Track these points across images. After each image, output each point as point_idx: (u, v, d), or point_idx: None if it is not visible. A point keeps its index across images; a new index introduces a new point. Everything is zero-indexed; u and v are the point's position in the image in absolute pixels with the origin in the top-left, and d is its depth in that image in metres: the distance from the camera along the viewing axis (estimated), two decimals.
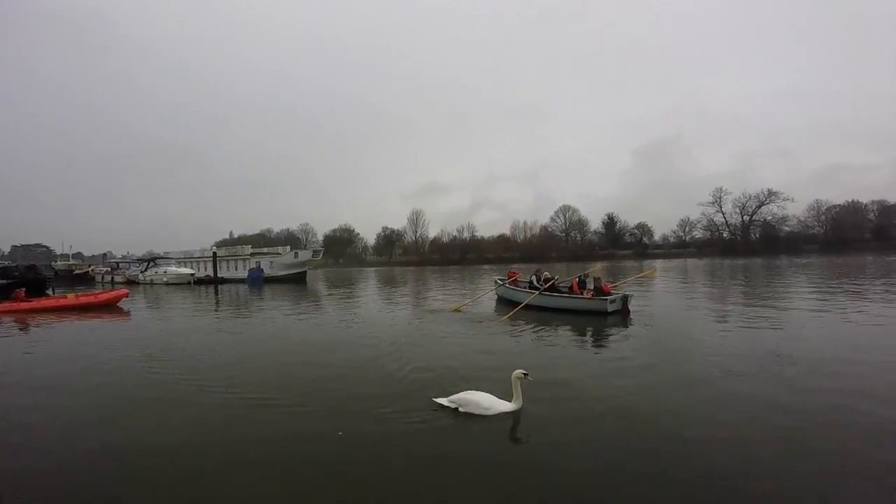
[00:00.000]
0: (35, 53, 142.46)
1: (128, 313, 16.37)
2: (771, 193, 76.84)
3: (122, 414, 5.26)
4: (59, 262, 56.46)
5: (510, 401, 4.89)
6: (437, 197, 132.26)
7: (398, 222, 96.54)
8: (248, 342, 10.15)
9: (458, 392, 5.16)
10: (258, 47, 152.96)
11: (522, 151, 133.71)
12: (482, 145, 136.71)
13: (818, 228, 77.33)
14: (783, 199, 76.15)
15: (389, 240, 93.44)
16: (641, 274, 20.05)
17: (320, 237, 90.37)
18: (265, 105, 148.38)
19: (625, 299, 11.61)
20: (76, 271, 50.50)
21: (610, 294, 11.71)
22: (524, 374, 4.92)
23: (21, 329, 12.78)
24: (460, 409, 4.88)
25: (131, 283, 40.22)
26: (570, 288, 12.90)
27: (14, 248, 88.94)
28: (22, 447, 4.43)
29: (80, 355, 8.77)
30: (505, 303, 14.24)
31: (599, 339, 9.09)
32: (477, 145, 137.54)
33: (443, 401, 5.07)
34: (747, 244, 74.70)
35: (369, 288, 27.02)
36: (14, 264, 35.10)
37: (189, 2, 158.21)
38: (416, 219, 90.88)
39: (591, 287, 12.39)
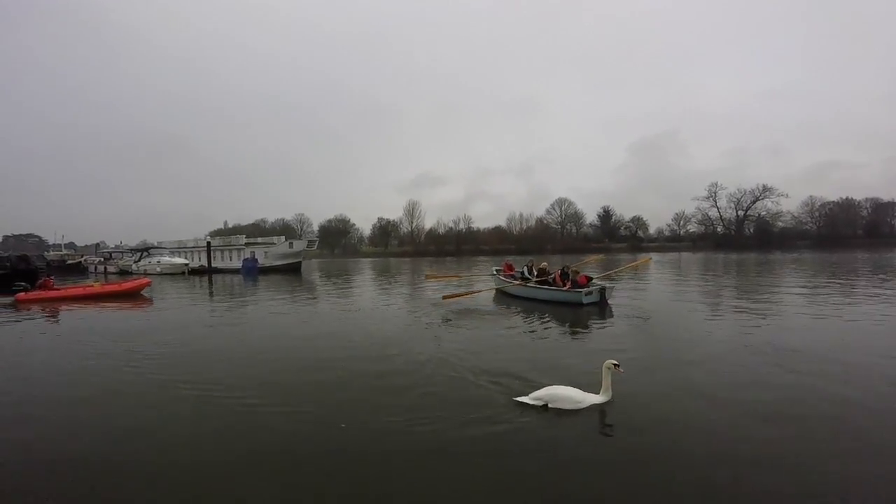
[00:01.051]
0: (27, 41, 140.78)
1: (151, 301, 16.86)
2: (765, 189, 77.56)
3: (128, 407, 5.20)
4: (51, 253, 55.90)
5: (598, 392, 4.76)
6: (432, 189, 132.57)
7: (394, 213, 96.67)
8: (249, 333, 10.13)
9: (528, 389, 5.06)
10: (251, 37, 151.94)
11: (516, 145, 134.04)
12: (476, 139, 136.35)
13: (811, 224, 78.21)
14: (777, 195, 76.99)
15: (385, 230, 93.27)
16: (634, 263, 20.10)
17: (316, 227, 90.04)
18: (258, 95, 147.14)
19: (602, 291, 12.02)
20: (69, 262, 50.08)
21: (586, 286, 12.14)
22: (615, 364, 4.74)
23: (49, 317, 12.88)
24: (549, 405, 4.64)
25: (124, 273, 39.98)
26: (554, 280, 13.23)
27: (6, 238, 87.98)
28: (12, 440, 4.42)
29: (87, 342, 8.84)
30: (501, 293, 14.51)
31: (561, 328, 9.49)
32: (470, 139, 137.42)
33: (527, 399, 4.79)
34: (741, 239, 75.29)
35: (365, 279, 26.98)
36: (6, 255, 34.64)
37: None
38: (412, 210, 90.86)
39: (571, 279, 12.75)
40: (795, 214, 78.35)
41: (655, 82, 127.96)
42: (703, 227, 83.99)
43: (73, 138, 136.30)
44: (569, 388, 4.80)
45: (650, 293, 15.60)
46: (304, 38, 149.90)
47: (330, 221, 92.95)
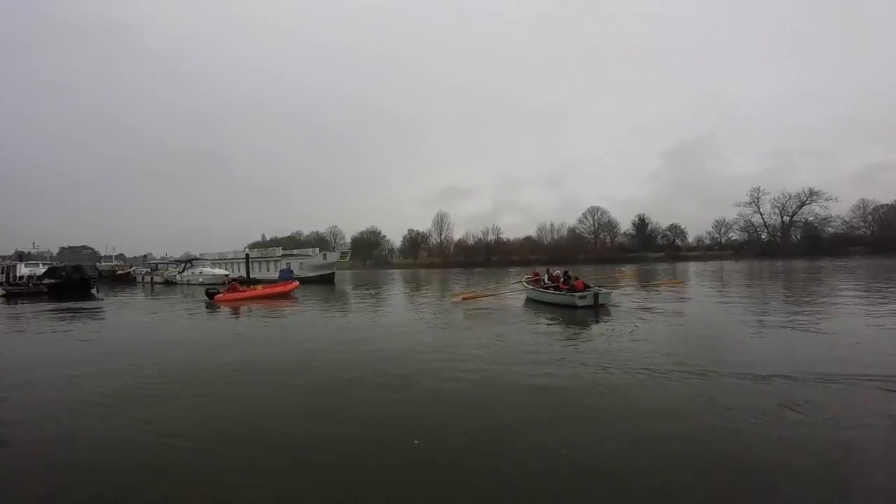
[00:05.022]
0: (69, 66, 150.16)
1: (296, 299, 20.40)
2: (812, 193, 73.76)
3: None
4: (102, 264, 59.28)
5: None
6: (459, 200, 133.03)
7: (423, 225, 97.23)
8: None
9: None
10: (280, 62, 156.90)
11: (543, 154, 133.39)
12: (500, 149, 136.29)
13: (865, 229, 73.27)
14: (826, 199, 72.91)
15: (415, 242, 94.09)
16: (669, 282, 19.44)
17: (348, 239, 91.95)
18: (286, 112, 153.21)
19: (596, 296, 12.96)
20: (118, 272, 52.91)
21: (582, 290, 13.24)
22: None
23: (230, 313, 15.85)
24: None
25: (169, 283, 41.83)
26: (558, 285, 14.54)
27: (62, 249, 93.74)
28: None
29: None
30: (529, 300, 15.44)
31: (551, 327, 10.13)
32: (495, 149, 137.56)
33: None
34: (788, 246, 71.60)
35: (395, 289, 27.21)
36: (62, 265, 37.00)
37: (207, 15, 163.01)
38: (440, 221, 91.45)
39: (570, 284, 14.07)
40: (846, 219, 73.88)
41: (685, 86, 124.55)
42: (745, 235, 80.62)
43: (122, 159, 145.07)
44: None
45: (661, 302, 15.01)
46: (328, 58, 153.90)
47: (362, 234, 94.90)
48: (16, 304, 23.30)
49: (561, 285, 14.33)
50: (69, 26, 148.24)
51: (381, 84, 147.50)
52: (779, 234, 77.14)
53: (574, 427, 4.41)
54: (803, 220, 75.64)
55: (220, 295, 19.78)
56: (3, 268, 33.78)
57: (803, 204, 74.86)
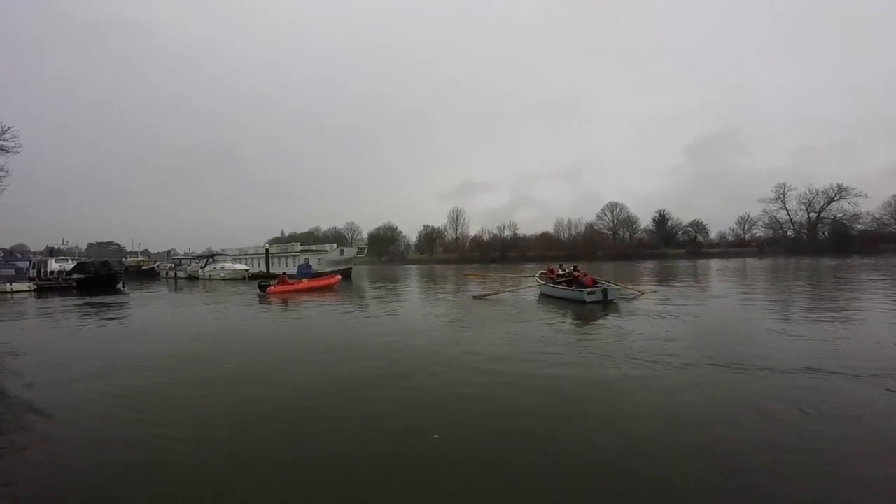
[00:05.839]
0: (88, 66, 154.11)
1: (338, 293, 21.61)
2: (841, 189, 71.29)
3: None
4: (128, 259, 60.95)
5: None
6: (475, 195, 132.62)
7: (439, 220, 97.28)
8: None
9: None
10: (289, 54, 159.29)
11: (560, 149, 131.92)
12: (516, 143, 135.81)
13: None
14: (855, 195, 70.30)
15: (430, 238, 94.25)
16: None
17: (365, 235, 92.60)
18: (301, 110, 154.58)
19: (605, 292, 13.59)
20: (143, 267, 54.31)
21: (590, 287, 13.83)
22: None
23: (280, 306, 16.65)
24: None
25: (192, 278, 42.82)
26: (569, 281, 15.32)
27: (90, 245, 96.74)
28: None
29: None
30: (541, 295, 15.93)
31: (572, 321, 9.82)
32: (511, 143, 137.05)
33: None
34: (815, 243, 69.38)
35: (411, 284, 27.38)
36: (90, 261, 38.21)
37: (218, 14, 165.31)
38: (456, 217, 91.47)
39: (580, 280, 14.79)
40: (877, 216, 71.06)
41: (707, 78, 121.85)
42: (770, 231, 78.37)
43: (145, 158, 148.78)
44: None
45: (674, 298, 14.93)
46: (341, 55, 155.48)
47: (378, 229, 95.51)
48: (47, 298, 24.21)
49: (570, 279, 15.30)
50: (87, 26, 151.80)
51: (395, 80, 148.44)
52: (805, 230, 74.84)
53: (587, 425, 4.43)
54: (831, 217, 73.23)
55: (272, 287, 21.23)
56: (35, 263, 35.00)
57: (831, 200, 72.52)
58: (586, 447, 3.94)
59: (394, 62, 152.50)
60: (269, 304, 17.50)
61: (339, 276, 26.26)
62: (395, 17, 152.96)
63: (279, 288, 21.40)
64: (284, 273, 25.45)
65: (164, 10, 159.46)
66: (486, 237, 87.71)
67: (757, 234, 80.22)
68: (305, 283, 23.48)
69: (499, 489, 3.30)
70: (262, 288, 21.36)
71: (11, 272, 33.16)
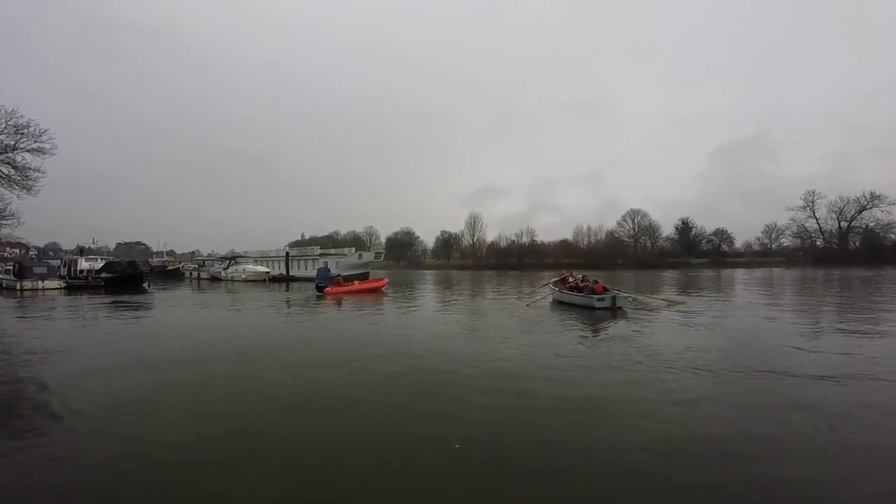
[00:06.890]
0: (114, 69, 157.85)
1: (385, 294, 23.09)
2: (874, 197, 68.75)
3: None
4: (154, 259, 62.65)
5: None
6: (493, 200, 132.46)
7: (457, 225, 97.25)
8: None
9: None
10: (317, 64, 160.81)
11: (582, 151, 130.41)
12: (537, 145, 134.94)
13: None
14: (889, 203, 67.63)
15: (448, 243, 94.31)
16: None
17: (383, 239, 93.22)
18: (322, 112, 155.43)
19: (614, 298, 14.04)
20: (168, 267, 55.65)
21: (600, 293, 14.31)
22: None
23: (334, 306, 17.78)
24: None
25: (214, 279, 43.67)
26: (581, 287, 15.86)
27: (118, 245, 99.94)
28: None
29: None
30: (554, 301, 16.58)
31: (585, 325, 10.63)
32: (531, 145, 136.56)
33: None
34: (845, 253, 67.01)
35: (428, 289, 27.42)
36: (118, 260, 39.28)
37: (239, 17, 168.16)
38: (473, 222, 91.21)
39: (590, 287, 15.28)
40: None
41: (734, 80, 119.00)
42: (798, 241, 76.02)
43: (171, 160, 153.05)
44: None
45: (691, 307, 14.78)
46: (361, 56, 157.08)
47: (396, 234, 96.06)
48: (77, 296, 24.99)
49: (580, 286, 15.95)
50: (114, 29, 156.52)
51: (414, 81, 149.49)
52: (835, 240, 72.36)
53: (607, 427, 4.33)
54: (863, 226, 70.74)
55: (329, 288, 23.08)
56: (66, 262, 36.16)
57: (863, 209, 70.01)
58: (609, 453, 3.86)
59: (414, 63, 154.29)
60: (324, 302, 19.10)
61: (386, 279, 27.92)
62: (417, 15, 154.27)
63: (336, 289, 23.07)
64: (339, 275, 26.55)
65: (188, 16, 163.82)
66: (503, 243, 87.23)
67: (784, 244, 78.01)
68: (357, 284, 24.91)
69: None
70: (320, 289, 23.14)
71: (44, 270, 34.19)
